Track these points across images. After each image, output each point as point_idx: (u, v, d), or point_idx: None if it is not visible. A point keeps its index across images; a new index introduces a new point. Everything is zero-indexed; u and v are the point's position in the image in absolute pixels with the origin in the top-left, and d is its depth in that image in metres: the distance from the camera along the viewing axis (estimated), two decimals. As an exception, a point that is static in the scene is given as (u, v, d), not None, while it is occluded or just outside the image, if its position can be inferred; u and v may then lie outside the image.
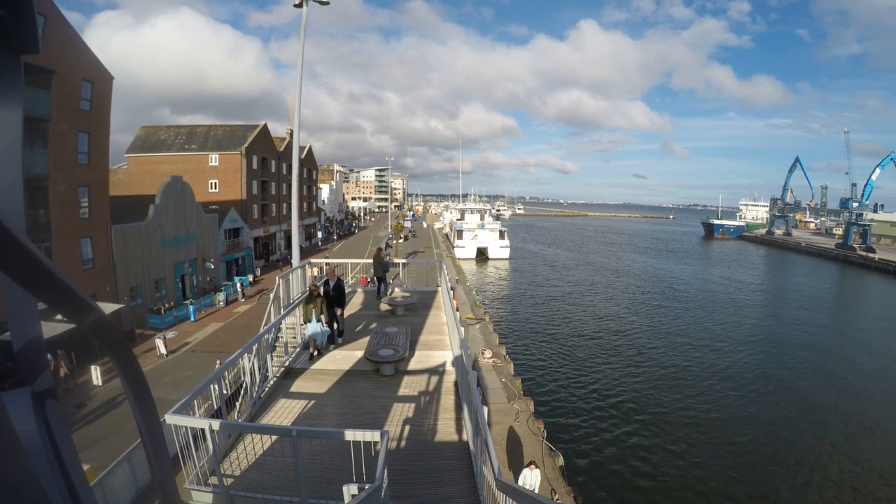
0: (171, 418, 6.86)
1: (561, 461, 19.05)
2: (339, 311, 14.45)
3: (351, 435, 6.65)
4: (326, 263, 19.10)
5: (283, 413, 10.21)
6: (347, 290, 21.18)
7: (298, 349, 13.43)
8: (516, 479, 16.01)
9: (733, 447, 22.83)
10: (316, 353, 13.00)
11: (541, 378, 30.12)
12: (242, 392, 10.26)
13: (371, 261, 21.78)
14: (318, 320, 12.89)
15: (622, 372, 31.44)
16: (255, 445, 8.04)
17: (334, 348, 13.72)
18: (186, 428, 7.01)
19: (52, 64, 28.22)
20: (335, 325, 14.06)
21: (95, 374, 26.96)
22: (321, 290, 13.57)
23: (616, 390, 28.52)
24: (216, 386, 8.69)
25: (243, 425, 8.72)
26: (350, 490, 6.02)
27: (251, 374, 10.18)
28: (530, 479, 15.79)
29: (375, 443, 6.67)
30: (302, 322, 13.26)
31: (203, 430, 7.02)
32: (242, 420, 9.57)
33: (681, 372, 31.76)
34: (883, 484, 20.09)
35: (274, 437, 7.89)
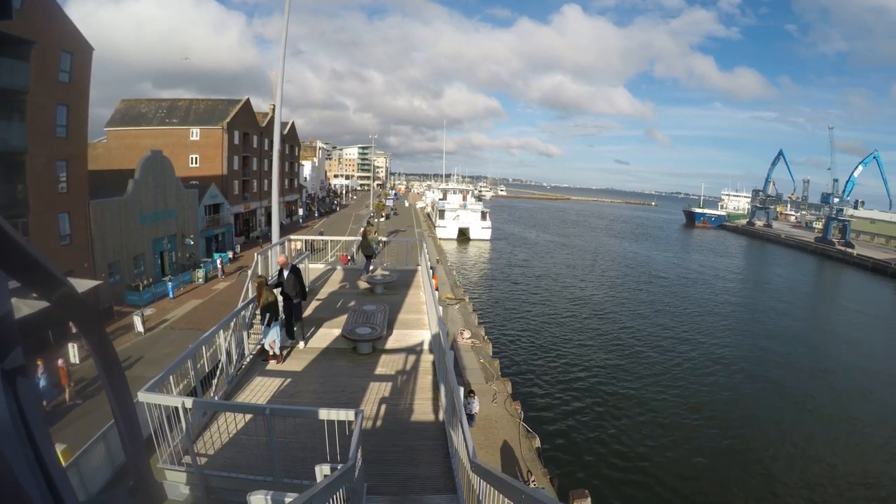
0: (143, 396, 6.81)
1: (538, 442, 19.27)
2: (298, 309, 12.50)
3: (325, 414, 6.63)
4: (295, 242, 18.81)
5: (259, 391, 10.18)
6: (325, 266, 20.97)
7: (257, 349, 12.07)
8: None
9: (704, 429, 23.46)
10: (273, 360, 11.55)
11: (519, 359, 30.50)
12: (219, 370, 10.15)
13: (357, 238, 21.63)
14: (276, 322, 11.39)
15: (599, 354, 31.94)
16: (229, 424, 8.03)
17: (296, 344, 12.52)
18: (160, 406, 6.98)
19: (32, 34, 27.56)
20: (294, 328, 12.46)
21: (72, 352, 26.58)
22: (266, 287, 11.64)
23: (593, 372, 29.01)
24: (191, 363, 8.60)
25: (216, 403, 8.71)
26: (322, 470, 5.94)
27: (227, 351, 10.13)
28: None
29: (350, 422, 6.64)
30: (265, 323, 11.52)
31: (176, 408, 6.99)
32: (218, 398, 9.53)
33: (657, 355, 32.39)
34: (843, 472, 20.77)
35: (248, 416, 7.88)
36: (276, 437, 6.74)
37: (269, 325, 11.26)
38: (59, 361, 22.11)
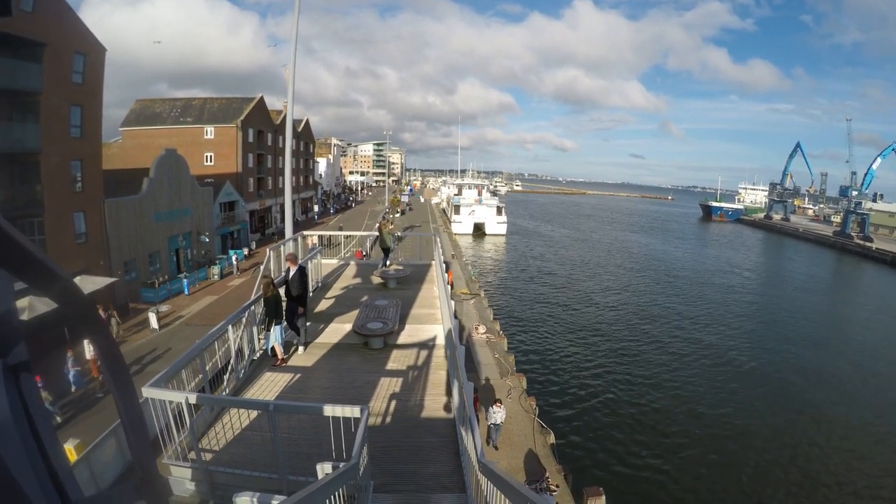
0: (147, 391, 6.73)
1: (552, 439, 18.97)
2: (300, 310, 12.02)
3: (330, 410, 6.45)
4: (310, 237, 18.59)
5: (268, 387, 10.07)
6: (338, 262, 20.97)
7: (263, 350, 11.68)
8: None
9: (721, 426, 23.09)
10: (280, 362, 11.21)
11: (534, 355, 30.24)
12: (229, 367, 10.08)
13: (373, 233, 21.44)
14: (278, 325, 11.04)
15: (616, 351, 31.59)
16: (235, 421, 7.91)
17: (297, 348, 12.08)
18: (165, 402, 6.89)
19: (43, 36, 27.77)
20: (299, 328, 12.08)
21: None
22: (272, 287, 11.12)
23: (609, 368, 28.70)
24: (201, 360, 8.54)
25: (219, 399, 8.59)
26: (324, 468, 5.83)
27: (236, 347, 10.03)
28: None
29: (356, 419, 6.45)
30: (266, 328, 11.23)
31: (180, 403, 6.92)
32: (227, 394, 9.44)
33: (675, 352, 31.95)
34: (865, 470, 20.34)
35: (255, 413, 7.78)
36: (282, 433, 6.64)
37: (270, 327, 10.96)
38: (91, 354, 22.44)
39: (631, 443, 21.32)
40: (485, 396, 20.47)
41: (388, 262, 19.05)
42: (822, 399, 26.50)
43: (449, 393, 9.90)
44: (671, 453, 20.64)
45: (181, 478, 7.03)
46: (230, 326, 9.81)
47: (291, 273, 12.07)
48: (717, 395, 26.22)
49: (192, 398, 6.97)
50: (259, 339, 11.66)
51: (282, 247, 16.17)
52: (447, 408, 9.41)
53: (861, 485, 19.09)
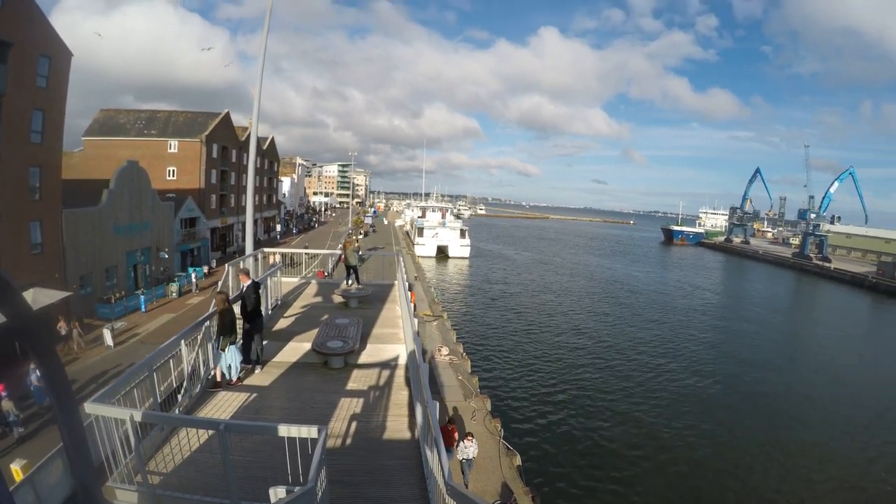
0: (90, 408, 6.31)
1: (518, 460, 18.86)
2: (245, 326, 11.44)
3: (286, 430, 6.04)
4: (271, 254, 18.19)
5: (223, 406, 9.72)
6: (299, 280, 20.58)
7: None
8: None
9: (684, 440, 23.56)
10: (236, 381, 10.78)
11: (498, 376, 30.32)
12: (184, 385, 9.63)
13: (337, 252, 21.10)
14: (233, 343, 10.57)
15: (579, 371, 31.89)
16: (186, 442, 7.53)
17: (253, 369, 11.53)
18: (111, 420, 6.49)
19: (9, 35, 27.19)
20: (253, 347, 11.47)
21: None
22: (227, 302, 10.67)
23: (573, 388, 28.97)
24: (150, 375, 8.08)
25: (167, 416, 8.11)
26: (277, 493, 5.54)
27: (189, 364, 9.62)
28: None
29: (314, 439, 6.04)
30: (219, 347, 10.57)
31: (128, 422, 6.46)
32: (179, 413, 9.02)
33: (635, 369, 32.54)
34: (818, 480, 20.82)
35: (209, 433, 7.31)
36: (235, 455, 6.33)
37: (223, 348, 10.40)
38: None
39: (598, 461, 21.46)
40: (453, 417, 20.39)
41: (350, 281, 18.91)
42: (783, 416, 27.06)
43: (412, 413, 9.68)
44: (639, 469, 20.87)
45: (126, 502, 6.62)
46: (183, 342, 9.44)
47: (244, 288, 11.61)
48: (679, 410, 26.70)
49: (138, 415, 6.53)
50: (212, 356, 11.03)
51: (241, 263, 15.63)
52: (411, 428, 9.22)
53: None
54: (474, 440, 16.48)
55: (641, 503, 18.97)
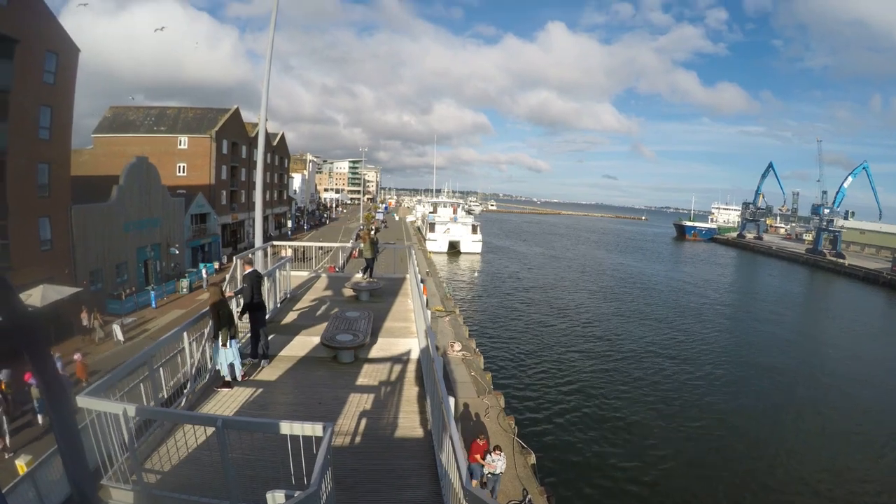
0: (83, 401, 6.02)
1: (533, 459, 18.47)
2: (242, 318, 11.06)
3: (288, 428, 5.62)
4: (281, 248, 17.78)
5: (227, 403, 9.31)
6: (309, 274, 20.24)
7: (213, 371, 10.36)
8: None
9: (702, 439, 23.10)
10: (242, 377, 10.24)
11: (512, 373, 29.87)
12: (190, 380, 9.30)
13: (347, 244, 20.57)
14: (233, 338, 9.90)
15: (594, 368, 31.43)
16: (187, 439, 7.19)
17: (259, 363, 11.11)
18: (108, 416, 6.12)
19: (16, 32, 26.99)
20: (259, 342, 11.07)
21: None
22: (221, 293, 9.99)
23: (588, 385, 28.50)
24: (157, 370, 7.84)
25: (161, 411, 7.56)
26: (275, 498, 5.11)
27: (191, 357, 9.34)
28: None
29: (318, 438, 5.58)
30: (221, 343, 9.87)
31: (127, 419, 6.10)
32: (181, 408, 8.62)
33: (653, 369, 31.94)
34: (833, 479, 20.32)
35: (208, 430, 6.91)
36: (237, 454, 5.93)
37: (224, 343, 9.73)
38: (77, 356, 23.12)
39: (614, 459, 21.03)
40: (462, 415, 20.02)
41: (364, 274, 18.50)
42: (800, 409, 26.84)
43: (424, 410, 9.29)
44: (656, 469, 20.42)
45: (122, 502, 6.30)
46: (185, 335, 9.16)
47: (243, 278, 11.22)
48: (697, 408, 26.25)
49: (132, 410, 6.15)
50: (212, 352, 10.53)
51: (250, 255, 15.42)
52: (423, 426, 8.79)
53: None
54: (502, 454, 15.52)
55: (658, 501, 18.56)
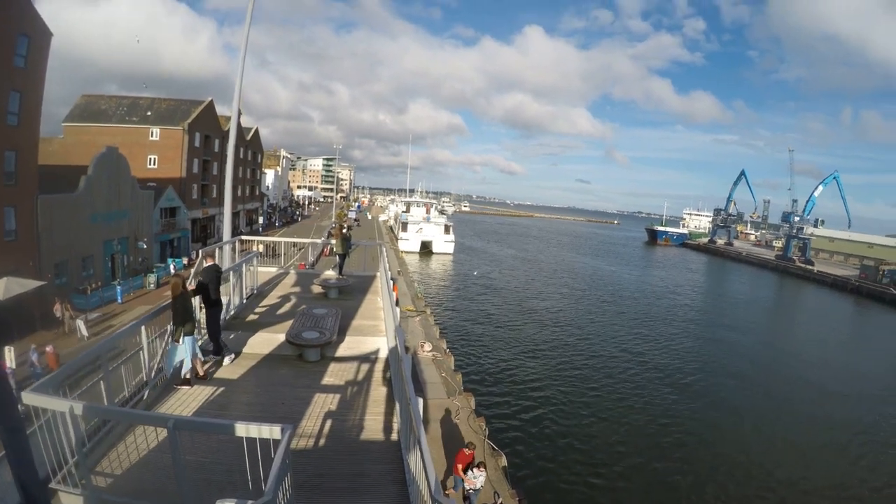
0: (27, 397, 5.70)
1: (504, 461, 18.54)
2: (202, 311, 10.69)
3: (244, 430, 5.22)
4: (251, 243, 17.45)
5: (185, 401, 8.97)
6: (278, 270, 19.86)
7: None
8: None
9: (669, 438, 23.66)
10: (203, 375, 9.92)
11: (482, 373, 30.02)
12: (148, 376, 9.04)
13: (318, 241, 20.40)
14: (189, 335, 9.34)
15: (563, 368, 31.82)
16: (143, 440, 6.90)
17: (222, 360, 10.79)
18: (57, 414, 5.77)
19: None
20: (217, 338, 10.79)
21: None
22: (182, 287, 9.55)
23: (558, 386, 28.82)
24: (103, 364, 7.45)
25: (109, 410, 7.21)
26: None
27: (149, 353, 9.06)
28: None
29: (276, 440, 5.19)
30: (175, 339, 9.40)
31: (77, 418, 5.80)
32: (139, 407, 8.34)
33: (621, 371, 32.38)
34: (797, 482, 20.84)
35: (163, 432, 6.36)
36: (192, 456, 5.70)
37: (178, 339, 9.27)
38: (49, 347, 23.62)
39: (585, 460, 21.26)
40: (431, 417, 20.07)
41: (336, 271, 18.37)
42: (763, 414, 27.38)
43: (391, 411, 9.12)
44: (625, 468, 20.78)
45: None
46: (144, 330, 8.89)
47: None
48: (663, 409, 26.77)
49: (79, 408, 5.76)
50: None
51: (217, 250, 14.55)
52: (391, 429, 8.59)
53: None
54: (484, 470, 15.02)
55: (627, 500, 18.87)
